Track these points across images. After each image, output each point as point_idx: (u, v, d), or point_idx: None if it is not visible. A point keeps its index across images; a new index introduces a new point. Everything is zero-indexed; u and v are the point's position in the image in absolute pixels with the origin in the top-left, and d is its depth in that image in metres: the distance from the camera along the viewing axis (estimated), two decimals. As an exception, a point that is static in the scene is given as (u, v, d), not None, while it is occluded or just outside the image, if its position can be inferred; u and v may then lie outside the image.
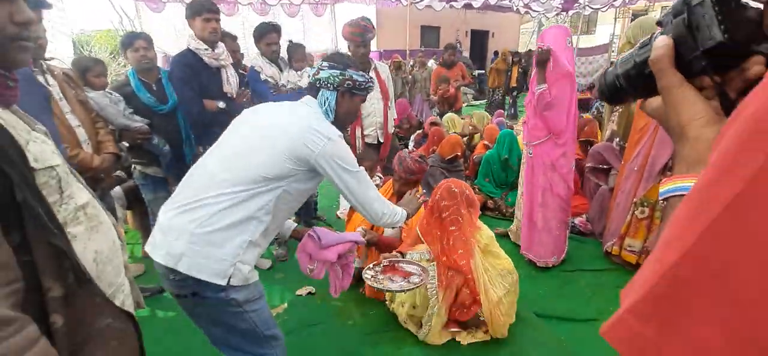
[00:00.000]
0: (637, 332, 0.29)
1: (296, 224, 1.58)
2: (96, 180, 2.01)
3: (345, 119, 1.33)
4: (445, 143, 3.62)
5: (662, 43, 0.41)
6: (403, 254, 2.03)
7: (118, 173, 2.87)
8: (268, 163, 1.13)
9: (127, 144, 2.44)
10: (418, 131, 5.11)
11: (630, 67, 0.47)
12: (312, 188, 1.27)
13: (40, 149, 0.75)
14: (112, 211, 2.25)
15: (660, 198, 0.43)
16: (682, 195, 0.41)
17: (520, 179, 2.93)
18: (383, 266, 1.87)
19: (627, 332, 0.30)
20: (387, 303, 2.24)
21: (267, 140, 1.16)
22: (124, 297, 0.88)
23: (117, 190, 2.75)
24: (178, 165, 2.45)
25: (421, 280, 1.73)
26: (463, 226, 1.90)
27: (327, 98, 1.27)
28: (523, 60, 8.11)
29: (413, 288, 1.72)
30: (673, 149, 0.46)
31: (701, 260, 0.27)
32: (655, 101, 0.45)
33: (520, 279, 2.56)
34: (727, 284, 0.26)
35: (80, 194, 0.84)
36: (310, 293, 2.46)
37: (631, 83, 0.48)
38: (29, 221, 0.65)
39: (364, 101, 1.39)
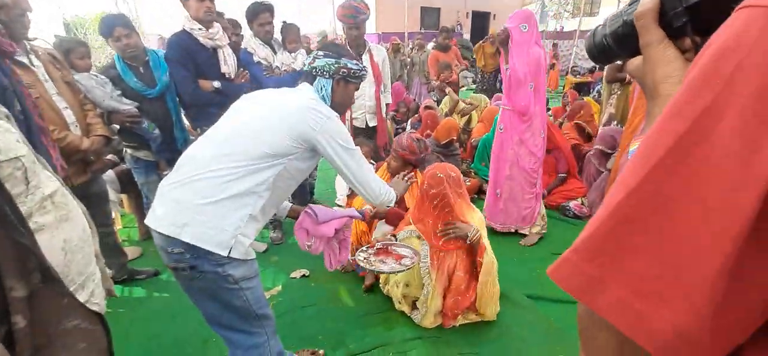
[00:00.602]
0: (581, 270, 0.30)
1: (292, 204, 1.62)
2: (86, 163, 2.00)
3: (340, 105, 1.39)
4: (441, 128, 3.58)
5: None
6: (395, 237, 2.04)
7: (110, 156, 2.86)
8: (269, 140, 1.18)
9: (117, 127, 2.42)
10: (415, 115, 5.06)
11: (618, 26, 0.47)
12: (309, 167, 1.32)
13: (4, 140, 0.71)
14: (104, 195, 2.25)
15: (628, 157, 0.44)
16: None
17: None
18: (376, 249, 1.90)
19: (571, 270, 0.31)
20: (381, 285, 2.25)
21: (268, 119, 1.21)
22: (94, 287, 0.87)
23: (109, 174, 2.74)
24: (169, 149, 2.44)
25: (412, 262, 1.76)
26: (454, 210, 1.90)
27: (323, 85, 1.34)
28: None
29: (404, 270, 1.74)
30: (646, 108, 0.46)
31: (644, 197, 0.28)
32: (637, 60, 0.45)
33: (512, 262, 2.60)
34: (668, 218, 0.27)
35: (48, 182, 0.82)
36: (304, 276, 2.47)
37: (619, 42, 0.48)
38: None
39: (358, 88, 1.45)
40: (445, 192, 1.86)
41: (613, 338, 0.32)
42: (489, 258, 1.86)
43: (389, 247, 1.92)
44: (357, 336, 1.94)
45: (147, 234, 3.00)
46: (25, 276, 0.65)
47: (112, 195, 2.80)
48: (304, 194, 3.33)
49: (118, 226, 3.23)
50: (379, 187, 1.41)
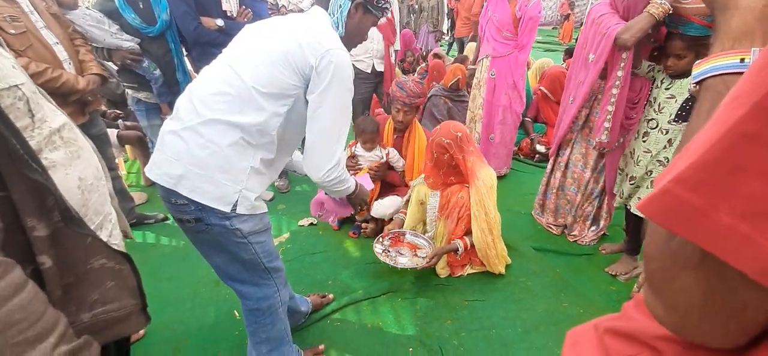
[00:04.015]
0: (684, 201, 0.28)
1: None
2: (83, 104, 1.92)
3: (353, 36, 1.22)
4: (447, 73, 3.49)
5: None
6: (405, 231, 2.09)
7: (112, 112, 2.80)
8: (269, 77, 1.04)
9: (116, 67, 2.30)
10: (423, 65, 4.88)
11: None
12: None
13: None
14: (104, 137, 2.18)
15: (691, 84, 0.41)
16: (723, 75, 0.39)
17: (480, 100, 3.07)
18: (390, 238, 1.99)
19: (671, 202, 0.29)
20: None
21: (269, 52, 1.06)
22: (111, 228, 0.84)
23: (111, 132, 2.67)
24: (172, 92, 2.34)
25: (427, 254, 1.88)
26: (461, 174, 1.91)
27: (340, 6, 1.16)
28: None
29: (423, 264, 1.83)
30: (715, 26, 0.43)
31: None
32: None
33: (520, 215, 2.60)
34: None
35: (54, 116, 0.76)
36: (311, 224, 2.49)
37: None
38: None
39: (376, 23, 1.26)
40: (452, 156, 1.86)
41: (702, 277, 0.30)
42: (477, 232, 1.87)
43: (402, 237, 2.00)
44: (366, 282, 1.97)
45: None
46: (45, 214, 0.60)
47: (113, 139, 2.74)
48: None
49: (122, 172, 3.20)
50: (329, 162, 1.12)
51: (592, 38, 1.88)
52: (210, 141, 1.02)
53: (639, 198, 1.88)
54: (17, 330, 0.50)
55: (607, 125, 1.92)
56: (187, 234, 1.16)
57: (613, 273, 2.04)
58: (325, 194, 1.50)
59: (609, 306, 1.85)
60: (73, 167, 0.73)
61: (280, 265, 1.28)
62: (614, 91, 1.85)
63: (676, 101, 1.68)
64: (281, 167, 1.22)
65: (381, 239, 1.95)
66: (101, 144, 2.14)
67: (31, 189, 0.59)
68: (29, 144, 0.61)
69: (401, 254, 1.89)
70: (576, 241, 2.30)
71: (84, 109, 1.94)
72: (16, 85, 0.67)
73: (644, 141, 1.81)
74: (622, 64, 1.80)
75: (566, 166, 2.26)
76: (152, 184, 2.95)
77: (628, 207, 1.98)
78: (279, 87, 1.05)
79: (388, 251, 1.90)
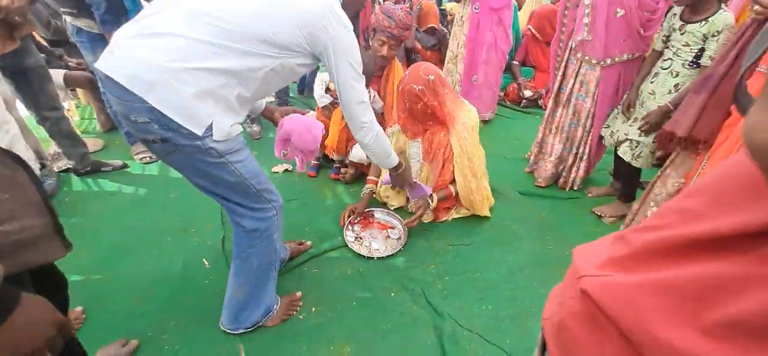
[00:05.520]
0: None
1: (267, 102, 1.46)
2: (11, 27, 1.63)
3: (349, 5, 1.24)
4: (421, 14, 3.24)
5: None
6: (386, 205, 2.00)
7: (60, 53, 2.47)
8: (277, 27, 1.01)
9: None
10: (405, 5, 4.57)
11: None
12: (302, 72, 1.16)
13: None
14: (43, 72, 1.91)
15: None
16: None
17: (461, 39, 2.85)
18: (359, 220, 1.88)
19: None
20: (376, 187, 2.12)
21: (281, 6, 1.02)
22: (10, 139, 0.67)
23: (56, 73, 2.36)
24: (118, 22, 2.04)
25: (400, 234, 1.80)
26: (439, 117, 1.77)
27: None
28: None
29: (399, 247, 1.74)
30: None
31: None
32: None
33: (507, 160, 2.53)
34: None
35: None
36: (287, 170, 2.34)
37: None
38: None
39: None
40: (426, 102, 1.71)
41: None
42: (460, 179, 1.81)
43: (371, 218, 1.91)
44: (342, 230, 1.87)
45: (108, 124, 2.72)
46: None
47: (59, 81, 2.44)
48: (284, 91, 3.04)
49: (75, 118, 2.90)
50: (366, 117, 1.26)
51: None
52: (191, 58, 0.92)
53: (631, 142, 1.81)
54: None
55: (586, 20, 1.83)
56: (157, 154, 1.05)
57: (600, 214, 2.01)
58: (295, 119, 1.42)
59: (593, 248, 1.84)
60: None
61: (273, 188, 1.20)
62: None
63: (691, 49, 1.61)
64: (248, 109, 1.12)
65: (351, 227, 1.83)
66: (40, 79, 1.88)
67: None
68: None
69: (374, 238, 1.79)
70: (564, 183, 2.22)
71: (12, 32, 1.65)
72: None
73: (652, 82, 1.76)
74: None
75: (569, 99, 2.06)
76: (109, 129, 2.72)
77: (617, 152, 1.91)
78: (285, 41, 1.02)
79: (360, 238, 1.79)
